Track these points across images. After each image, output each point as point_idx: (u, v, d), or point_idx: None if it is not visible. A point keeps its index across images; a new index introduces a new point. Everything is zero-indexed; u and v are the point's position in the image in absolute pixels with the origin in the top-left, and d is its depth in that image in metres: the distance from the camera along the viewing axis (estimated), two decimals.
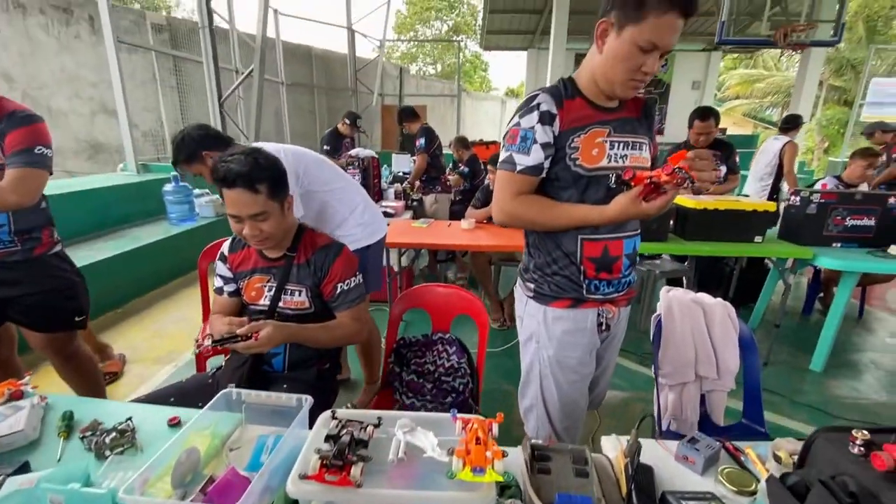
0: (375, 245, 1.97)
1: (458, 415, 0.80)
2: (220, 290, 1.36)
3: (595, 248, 1.09)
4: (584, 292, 1.12)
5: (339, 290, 1.28)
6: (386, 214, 3.01)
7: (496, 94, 24.10)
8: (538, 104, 1.01)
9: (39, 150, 1.34)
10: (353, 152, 3.29)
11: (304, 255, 1.29)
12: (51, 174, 1.40)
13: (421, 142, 3.76)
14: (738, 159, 2.94)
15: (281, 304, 1.29)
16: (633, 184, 0.98)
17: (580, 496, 0.73)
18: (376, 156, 3.35)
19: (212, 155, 1.59)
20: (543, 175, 1.05)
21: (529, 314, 1.20)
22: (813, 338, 2.61)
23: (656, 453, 0.93)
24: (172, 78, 6.67)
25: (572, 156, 1.02)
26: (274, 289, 1.28)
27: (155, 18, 6.81)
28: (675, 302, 1.39)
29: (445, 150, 5.03)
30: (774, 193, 3.95)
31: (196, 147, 1.60)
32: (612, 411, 2.17)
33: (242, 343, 1.10)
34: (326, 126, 7.13)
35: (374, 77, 10.37)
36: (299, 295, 1.28)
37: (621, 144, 1.05)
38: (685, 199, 2.52)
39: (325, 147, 4.33)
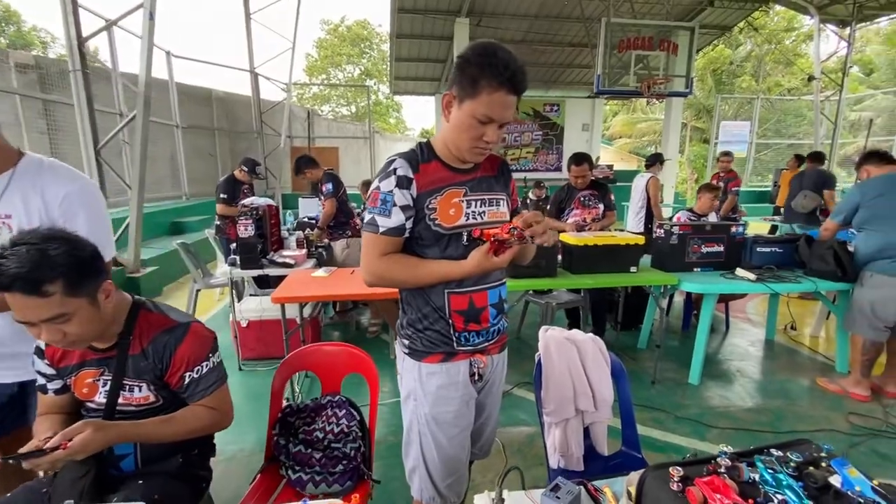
0: None
1: None
2: (43, 388, 1.14)
3: (461, 300, 1.13)
4: (455, 345, 1.15)
5: (187, 379, 1.13)
6: (284, 265, 2.89)
7: (411, 135, 24.84)
8: (394, 169, 1.06)
9: None
10: (247, 201, 3.14)
11: (139, 344, 1.10)
12: None
13: (328, 187, 3.71)
14: (612, 197, 3.29)
15: (121, 400, 1.10)
16: (484, 239, 1.06)
17: None
18: (273, 203, 3.23)
19: None
20: (406, 235, 1.09)
21: (407, 370, 1.20)
22: (691, 354, 2.91)
23: None
24: (41, 121, 5.99)
25: (431, 216, 1.08)
26: (109, 384, 1.09)
27: (20, 58, 6.13)
28: (551, 341, 1.48)
29: (354, 191, 5.01)
30: (650, 223, 4.47)
31: None
32: (519, 448, 2.20)
33: (49, 456, 0.91)
34: (230, 168, 6.78)
35: (281, 119, 10.18)
36: (140, 390, 1.11)
37: (478, 202, 1.13)
38: (568, 238, 2.74)
39: (221, 195, 4.09)
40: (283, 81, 10.04)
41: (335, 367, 1.52)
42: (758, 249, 2.93)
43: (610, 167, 11.25)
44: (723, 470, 0.75)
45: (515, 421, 2.42)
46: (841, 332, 3.01)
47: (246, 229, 2.77)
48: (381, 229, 1.07)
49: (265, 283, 3.58)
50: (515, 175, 1.37)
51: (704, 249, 2.89)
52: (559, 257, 2.80)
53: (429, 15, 8.87)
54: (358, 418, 1.46)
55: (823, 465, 0.75)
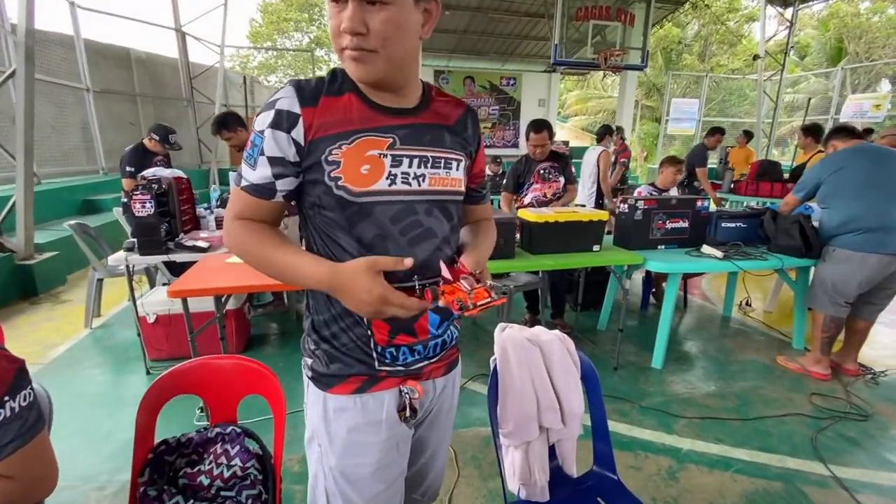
0: None
1: None
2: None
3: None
4: (376, 365, 0.81)
5: None
6: (195, 249, 2.42)
7: None
8: (275, 100, 0.71)
9: None
10: (147, 173, 2.60)
11: None
12: None
13: None
14: (573, 170, 3.03)
15: None
16: (441, 299, 0.71)
17: None
18: (183, 175, 2.70)
19: None
20: (278, 199, 0.75)
21: (311, 404, 0.85)
22: (652, 335, 2.75)
23: None
24: None
25: (331, 173, 0.72)
26: None
27: None
28: (509, 344, 1.17)
29: None
30: (601, 198, 4.31)
31: None
32: (474, 455, 1.93)
33: None
34: None
35: (215, 85, 9.20)
36: None
37: (414, 160, 0.76)
38: (528, 213, 2.45)
39: (127, 168, 3.47)
40: (217, 43, 9.05)
41: (227, 388, 1.14)
42: (723, 225, 2.78)
43: (566, 143, 11.13)
44: None
45: (469, 422, 2.14)
46: (798, 308, 2.95)
47: (143, 206, 2.26)
48: (243, 183, 0.75)
49: (180, 271, 3.06)
50: None
51: (669, 225, 2.70)
52: (517, 235, 2.50)
53: None
54: (257, 453, 1.11)
55: None
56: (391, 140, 0.75)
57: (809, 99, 10.55)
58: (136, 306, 2.54)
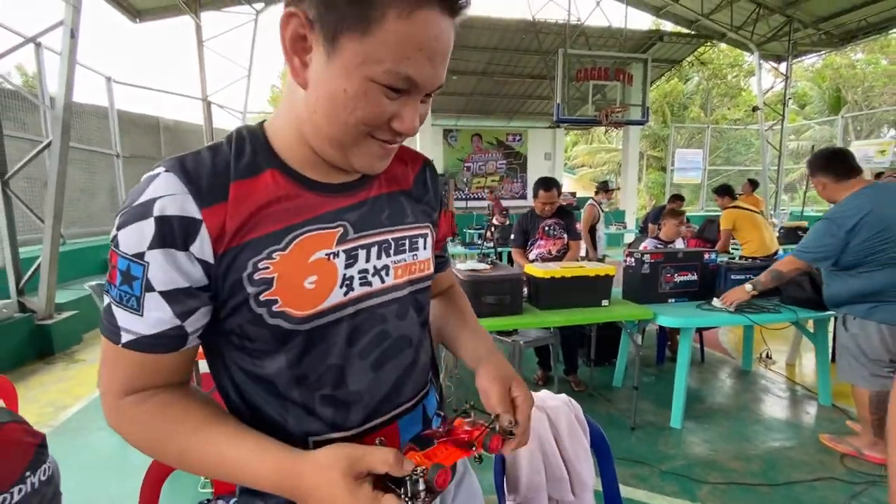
0: None
1: None
2: None
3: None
4: None
5: None
6: None
7: None
8: (150, 202, 0.47)
9: None
10: None
11: None
12: None
13: None
14: (578, 226, 3.09)
15: None
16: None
17: None
18: None
19: None
20: (190, 345, 0.53)
21: None
22: (669, 391, 2.65)
23: None
24: None
25: (261, 297, 0.50)
26: None
27: None
28: None
29: None
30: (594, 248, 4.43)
31: None
32: None
33: None
34: None
35: None
36: None
37: (373, 249, 0.57)
38: (534, 269, 2.48)
39: None
40: (240, 110, 9.69)
41: None
42: (732, 277, 2.76)
43: (573, 195, 11.35)
44: None
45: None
46: (821, 361, 2.85)
47: None
48: (125, 339, 0.49)
49: None
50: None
51: (678, 279, 2.69)
52: (525, 290, 2.52)
53: None
54: None
55: None
56: (340, 230, 0.55)
57: (813, 146, 10.70)
58: None
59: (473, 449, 0.52)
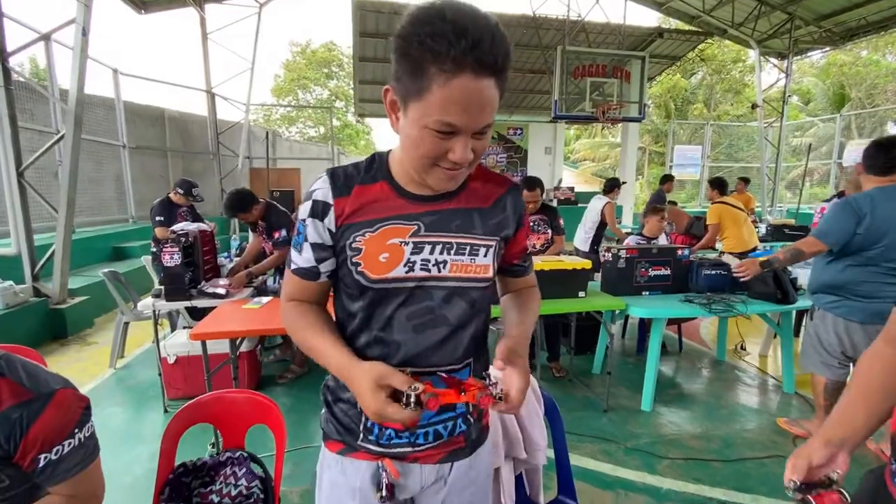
0: None
1: None
2: None
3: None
4: (360, 436, 0.83)
5: (42, 462, 0.90)
6: (215, 296, 2.68)
7: None
8: (313, 191, 0.79)
9: None
10: (176, 227, 2.92)
11: None
12: None
13: (282, 234, 3.06)
14: (562, 221, 3.27)
15: None
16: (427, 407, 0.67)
17: None
18: (208, 228, 3.02)
19: None
20: (322, 279, 0.82)
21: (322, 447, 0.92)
22: (644, 378, 2.86)
23: None
24: None
25: (353, 259, 0.77)
26: None
27: None
28: None
29: None
30: (596, 244, 4.58)
31: None
32: None
33: None
34: None
35: (239, 140, 9.91)
36: None
37: (436, 247, 0.77)
38: None
39: (157, 218, 3.84)
40: (243, 101, 9.83)
41: (237, 418, 1.34)
42: (703, 273, 2.94)
43: (571, 189, 11.48)
44: None
45: None
46: (786, 353, 3.04)
47: (171, 258, 2.55)
48: (293, 266, 0.83)
49: (200, 315, 3.32)
50: None
51: (652, 273, 2.88)
52: None
53: (391, 39, 8.91)
54: (260, 476, 1.29)
55: None
56: (415, 227, 0.77)
57: (810, 144, 10.79)
58: (159, 348, 2.78)
59: (464, 395, 0.68)
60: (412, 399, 0.65)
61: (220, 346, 2.66)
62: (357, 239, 0.76)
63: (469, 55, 0.60)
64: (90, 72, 4.29)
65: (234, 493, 1.25)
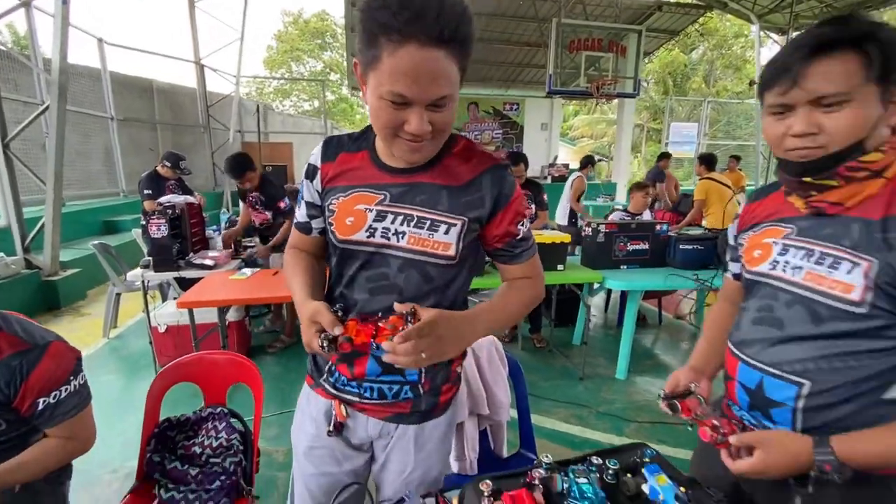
0: None
1: None
2: None
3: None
4: (322, 376, 0.94)
5: (41, 405, 1.00)
6: (203, 267, 2.74)
7: None
8: (311, 156, 0.90)
9: None
10: (163, 199, 2.95)
11: None
12: None
13: (287, 203, 3.24)
14: (546, 197, 3.32)
15: None
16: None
17: None
18: (195, 201, 3.05)
19: None
20: (314, 234, 0.94)
21: None
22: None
23: None
24: None
25: (329, 219, 0.85)
26: None
27: None
28: None
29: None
30: (574, 217, 4.72)
31: None
32: None
33: None
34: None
35: (230, 113, 9.77)
36: None
37: (398, 218, 0.80)
38: None
39: (145, 191, 3.85)
40: (233, 73, 9.65)
41: (218, 378, 1.43)
42: (681, 247, 3.01)
43: (566, 166, 11.47)
44: (536, 482, 0.72)
45: None
46: None
47: (159, 229, 2.60)
48: (295, 220, 0.97)
49: (190, 287, 3.39)
50: None
51: (630, 247, 2.95)
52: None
53: None
54: (240, 430, 1.38)
55: (643, 471, 0.74)
56: (382, 196, 0.81)
57: None
58: (150, 318, 2.85)
59: (374, 339, 0.72)
60: (327, 339, 0.72)
61: (209, 316, 2.73)
62: (333, 201, 0.84)
63: (413, 25, 0.62)
64: (74, 41, 4.23)
65: (214, 444, 1.34)
